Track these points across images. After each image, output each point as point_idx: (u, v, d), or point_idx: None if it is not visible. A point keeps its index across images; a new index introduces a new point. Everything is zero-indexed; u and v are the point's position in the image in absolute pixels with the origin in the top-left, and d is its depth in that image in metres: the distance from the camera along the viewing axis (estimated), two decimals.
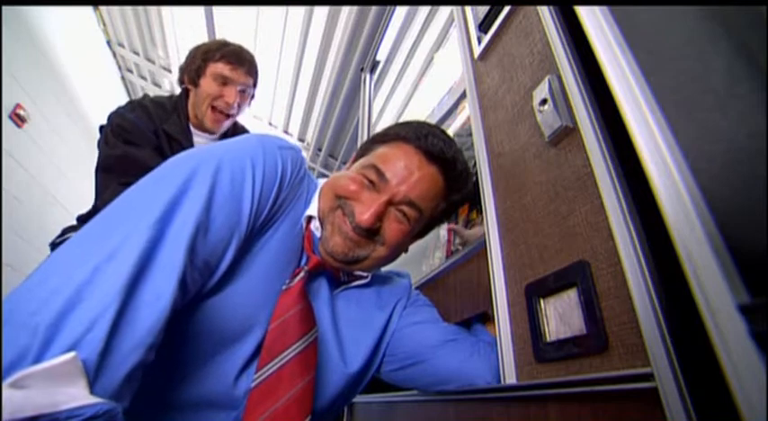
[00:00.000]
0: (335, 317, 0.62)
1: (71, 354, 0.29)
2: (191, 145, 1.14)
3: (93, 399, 0.29)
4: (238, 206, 0.47)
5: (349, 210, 0.57)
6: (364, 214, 0.55)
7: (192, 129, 1.16)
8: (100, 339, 0.31)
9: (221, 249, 0.46)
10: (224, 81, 1.13)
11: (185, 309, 0.45)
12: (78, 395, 0.29)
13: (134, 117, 1.06)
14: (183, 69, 1.18)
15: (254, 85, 1.22)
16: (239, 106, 1.18)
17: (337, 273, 0.62)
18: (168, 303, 0.36)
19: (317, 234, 0.59)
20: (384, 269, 0.71)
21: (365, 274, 0.63)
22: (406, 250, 0.65)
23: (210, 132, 1.18)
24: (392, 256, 0.62)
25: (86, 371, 0.30)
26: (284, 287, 0.53)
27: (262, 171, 0.50)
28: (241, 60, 1.15)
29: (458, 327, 0.68)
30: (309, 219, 0.59)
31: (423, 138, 0.59)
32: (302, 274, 0.55)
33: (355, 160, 0.65)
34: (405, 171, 0.57)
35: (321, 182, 0.63)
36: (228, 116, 1.16)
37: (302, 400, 0.48)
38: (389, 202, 0.57)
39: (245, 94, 1.18)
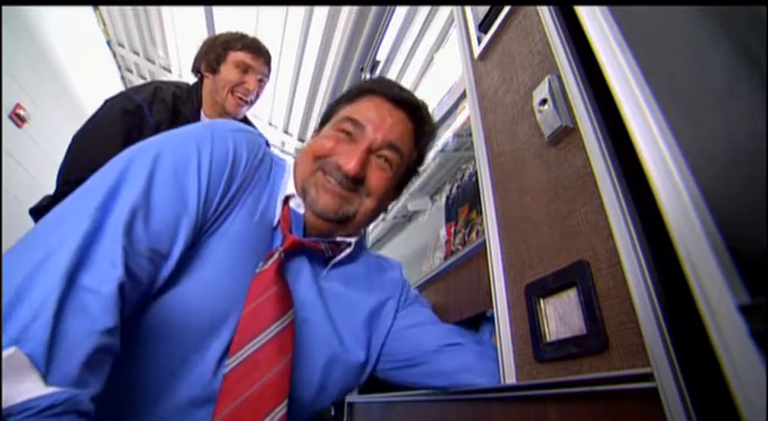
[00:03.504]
0: (324, 298, 0.60)
1: (12, 349, 0.29)
2: None
3: (46, 390, 0.29)
4: (182, 190, 0.47)
5: (331, 167, 0.58)
6: (350, 163, 0.56)
7: (202, 115, 1.22)
8: (44, 330, 0.31)
9: (168, 235, 0.45)
10: (245, 68, 1.19)
11: (152, 308, 0.45)
12: (29, 388, 0.29)
13: (140, 100, 1.12)
14: (199, 58, 1.24)
15: (267, 78, 1.29)
16: (257, 95, 1.25)
17: (319, 249, 0.60)
18: (113, 289, 0.36)
19: (300, 211, 0.59)
20: (374, 254, 0.73)
21: (350, 242, 0.62)
22: (386, 209, 0.69)
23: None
24: (379, 209, 0.64)
25: (35, 362, 0.30)
26: (258, 270, 0.52)
27: (209, 155, 0.50)
28: (261, 51, 1.23)
29: (459, 329, 0.67)
30: (287, 199, 0.59)
31: (388, 88, 0.64)
32: (277, 256, 0.53)
33: (321, 126, 0.67)
34: (378, 118, 0.60)
35: (289, 160, 0.64)
36: (248, 102, 1.23)
37: (279, 384, 0.47)
38: (369, 150, 0.59)
39: (262, 84, 1.25)
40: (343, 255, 0.63)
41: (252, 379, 0.46)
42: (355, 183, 0.58)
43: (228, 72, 1.18)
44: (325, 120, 0.67)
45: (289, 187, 0.59)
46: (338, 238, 0.62)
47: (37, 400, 0.28)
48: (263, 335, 0.49)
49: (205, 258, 0.49)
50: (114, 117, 1.08)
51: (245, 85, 1.19)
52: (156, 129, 1.10)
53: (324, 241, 0.60)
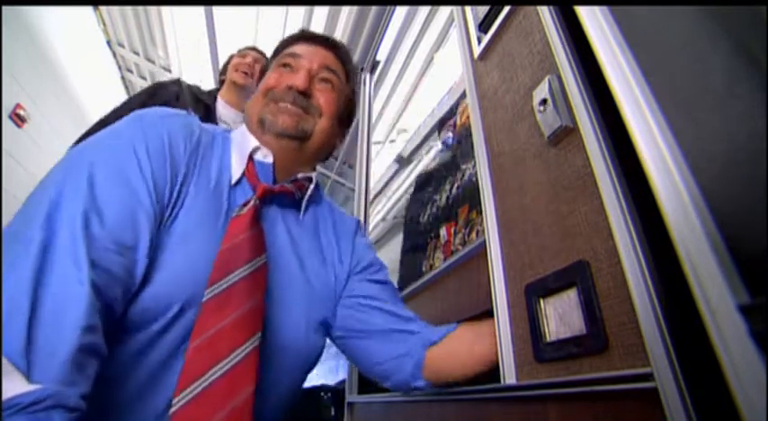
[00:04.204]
0: (298, 246, 0.65)
1: None
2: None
3: (28, 387, 0.30)
4: (128, 187, 0.47)
5: (281, 92, 0.65)
6: (297, 80, 0.65)
7: (219, 99, 1.53)
8: (19, 331, 0.32)
9: (129, 228, 0.45)
10: (243, 55, 1.57)
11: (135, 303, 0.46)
12: (11, 387, 0.30)
13: (174, 90, 1.45)
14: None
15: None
16: (255, 68, 1.54)
17: (289, 192, 0.64)
18: (85, 286, 0.37)
19: (268, 160, 0.63)
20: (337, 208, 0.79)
21: (310, 176, 0.68)
22: (342, 140, 0.77)
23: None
24: (333, 127, 0.70)
25: (14, 363, 0.31)
26: (234, 214, 0.55)
27: (145, 148, 0.51)
28: (251, 47, 1.65)
29: (410, 317, 0.67)
30: (251, 157, 0.62)
31: (310, 34, 0.75)
32: (252, 202, 0.56)
33: (260, 79, 0.74)
34: (309, 51, 0.70)
35: (235, 131, 0.68)
36: (247, 74, 1.53)
37: (251, 318, 0.49)
38: (310, 73, 0.67)
39: (258, 61, 1.58)
40: (309, 191, 0.67)
41: (226, 311, 0.48)
42: (305, 98, 0.65)
43: (232, 62, 1.55)
44: (264, 73, 0.76)
45: (248, 143, 0.63)
46: (299, 175, 0.66)
47: (21, 397, 0.30)
48: (240, 272, 0.50)
49: (177, 240, 0.50)
50: (141, 99, 1.40)
51: (244, 61, 1.53)
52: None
53: (288, 182, 0.65)
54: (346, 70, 0.74)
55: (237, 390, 0.45)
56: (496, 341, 0.55)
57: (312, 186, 0.67)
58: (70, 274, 0.37)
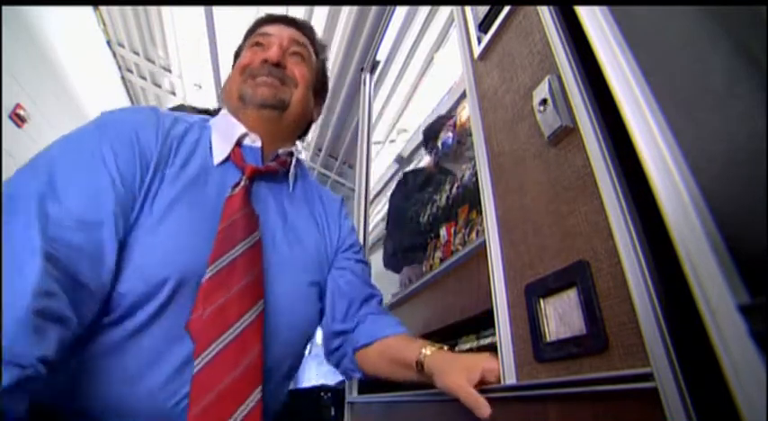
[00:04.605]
0: (288, 215, 0.69)
1: None
2: None
3: None
4: (88, 175, 0.50)
5: (256, 68, 0.69)
6: (270, 53, 0.69)
7: None
8: None
9: (92, 206, 0.48)
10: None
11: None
12: None
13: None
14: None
15: None
16: None
17: (274, 170, 0.67)
18: (37, 255, 0.38)
19: (257, 145, 0.68)
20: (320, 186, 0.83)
21: (290, 150, 0.72)
22: (318, 112, 0.81)
23: None
24: (309, 97, 0.75)
25: None
26: (227, 195, 0.59)
27: (109, 145, 0.53)
28: None
29: (376, 302, 0.75)
30: (238, 144, 0.66)
31: (275, 15, 0.80)
32: (242, 183, 0.61)
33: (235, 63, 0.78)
34: (277, 29, 0.75)
35: (214, 118, 0.71)
36: None
37: (254, 288, 0.55)
38: (281, 47, 0.72)
39: None
40: (293, 165, 0.71)
41: (230, 285, 0.53)
42: (280, 70, 0.70)
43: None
44: (237, 55, 0.80)
45: (237, 128, 0.67)
46: (280, 151, 0.70)
47: None
48: (238, 248, 0.55)
49: (157, 226, 0.53)
50: None
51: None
52: None
53: (272, 160, 0.69)
54: (314, 45, 0.80)
55: (248, 350, 0.51)
56: (497, 341, 0.55)
57: (294, 160, 0.72)
58: (24, 245, 0.40)
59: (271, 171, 0.67)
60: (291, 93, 0.71)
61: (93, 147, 0.53)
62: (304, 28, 0.79)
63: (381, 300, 0.78)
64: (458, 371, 0.53)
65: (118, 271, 0.49)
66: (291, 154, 0.72)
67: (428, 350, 0.59)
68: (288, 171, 0.71)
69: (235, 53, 0.82)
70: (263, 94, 0.67)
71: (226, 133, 0.66)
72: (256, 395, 0.50)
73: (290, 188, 0.72)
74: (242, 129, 0.67)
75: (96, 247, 0.47)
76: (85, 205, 0.48)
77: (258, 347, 0.52)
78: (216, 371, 0.49)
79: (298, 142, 0.81)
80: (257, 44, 0.74)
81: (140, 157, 0.55)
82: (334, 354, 0.75)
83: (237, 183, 0.60)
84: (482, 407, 0.48)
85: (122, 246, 0.51)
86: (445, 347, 0.60)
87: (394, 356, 0.64)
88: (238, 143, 0.66)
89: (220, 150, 0.64)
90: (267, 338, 0.55)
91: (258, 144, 0.68)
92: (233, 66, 0.78)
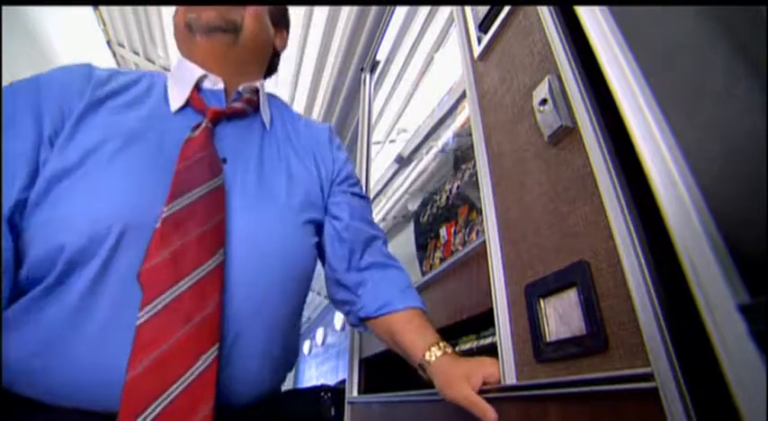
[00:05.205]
0: (266, 153, 0.64)
1: None
2: None
3: None
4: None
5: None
6: None
7: None
8: None
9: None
10: None
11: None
12: None
13: None
14: None
15: None
16: None
17: (238, 110, 0.62)
18: None
19: (219, 87, 0.63)
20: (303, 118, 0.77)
21: (255, 86, 0.66)
22: (282, 41, 0.75)
23: None
24: (263, 20, 0.68)
25: None
26: (186, 137, 0.55)
27: (30, 112, 0.52)
28: None
29: (366, 266, 0.70)
30: (198, 87, 0.62)
31: None
32: (204, 125, 0.57)
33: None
34: None
35: (169, 73, 0.67)
36: None
37: (214, 235, 0.50)
38: None
39: None
40: (261, 102, 0.66)
41: (188, 229, 0.48)
42: None
43: None
44: None
45: (194, 71, 0.62)
46: (241, 88, 0.65)
47: None
48: (196, 192, 0.51)
49: (85, 175, 0.50)
50: None
51: None
52: None
53: (236, 100, 0.64)
54: None
55: (205, 303, 0.46)
56: (497, 341, 0.55)
57: (261, 96, 0.66)
58: None
59: (236, 112, 0.62)
60: (242, 13, 0.64)
61: (14, 108, 0.52)
62: None
63: (385, 240, 0.74)
64: (460, 379, 0.53)
65: (44, 228, 0.47)
66: (257, 90, 0.66)
67: (432, 356, 0.57)
68: (258, 110, 0.66)
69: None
70: (208, 17, 0.62)
71: (182, 78, 0.62)
72: (210, 355, 0.44)
73: (267, 126, 0.67)
74: (199, 72, 0.62)
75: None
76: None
77: (216, 299, 0.46)
78: (163, 325, 0.43)
79: (267, 80, 0.76)
80: None
81: (63, 111, 0.53)
82: (339, 306, 0.73)
83: (197, 126, 0.56)
84: (489, 413, 0.49)
85: (42, 203, 0.48)
86: (449, 350, 0.59)
87: (398, 343, 0.63)
88: (198, 88, 0.62)
89: (178, 96, 0.60)
90: (249, 291, 0.51)
91: (220, 86, 0.63)
92: None
